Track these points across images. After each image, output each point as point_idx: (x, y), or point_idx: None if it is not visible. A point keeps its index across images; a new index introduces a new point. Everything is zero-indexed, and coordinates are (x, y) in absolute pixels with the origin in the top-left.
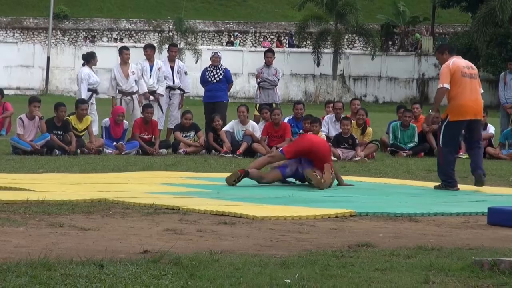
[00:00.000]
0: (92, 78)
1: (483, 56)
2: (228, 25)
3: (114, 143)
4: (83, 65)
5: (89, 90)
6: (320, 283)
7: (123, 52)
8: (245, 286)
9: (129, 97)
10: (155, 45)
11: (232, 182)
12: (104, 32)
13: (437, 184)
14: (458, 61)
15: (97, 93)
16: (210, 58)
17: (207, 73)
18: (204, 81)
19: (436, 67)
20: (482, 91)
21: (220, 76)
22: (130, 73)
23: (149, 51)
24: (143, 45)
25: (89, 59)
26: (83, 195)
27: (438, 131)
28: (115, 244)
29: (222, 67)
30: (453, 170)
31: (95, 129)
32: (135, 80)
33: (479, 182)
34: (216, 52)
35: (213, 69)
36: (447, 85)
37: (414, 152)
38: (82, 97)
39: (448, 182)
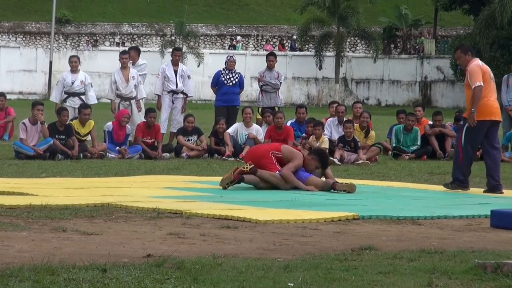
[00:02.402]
0: (66, 80)
1: (486, 58)
2: (230, 29)
3: (117, 147)
4: None
5: (65, 92)
6: (323, 286)
7: (121, 57)
8: None
9: (127, 102)
10: (157, 49)
11: (225, 185)
12: (106, 37)
13: (447, 183)
14: (483, 63)
15: (73, 95)
16: (225, 62)
17: (222, 76)
18: (218, 83)
19: (439, 70)
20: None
21: (236, 80)
22: (130, 77)
23: (132, 53)
24: (145, 49)
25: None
26: (86, 199)
27: (460, 130)
28: (118, 248)
29: (236, 71)
30: (469, 171)
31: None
32: (135, 85)
33: (492, 191)
34: (232, 56)
35: (229, 72)
36: (482, 83)
37: (416, 155)
38: (51, 98)
39: (462, 182)
